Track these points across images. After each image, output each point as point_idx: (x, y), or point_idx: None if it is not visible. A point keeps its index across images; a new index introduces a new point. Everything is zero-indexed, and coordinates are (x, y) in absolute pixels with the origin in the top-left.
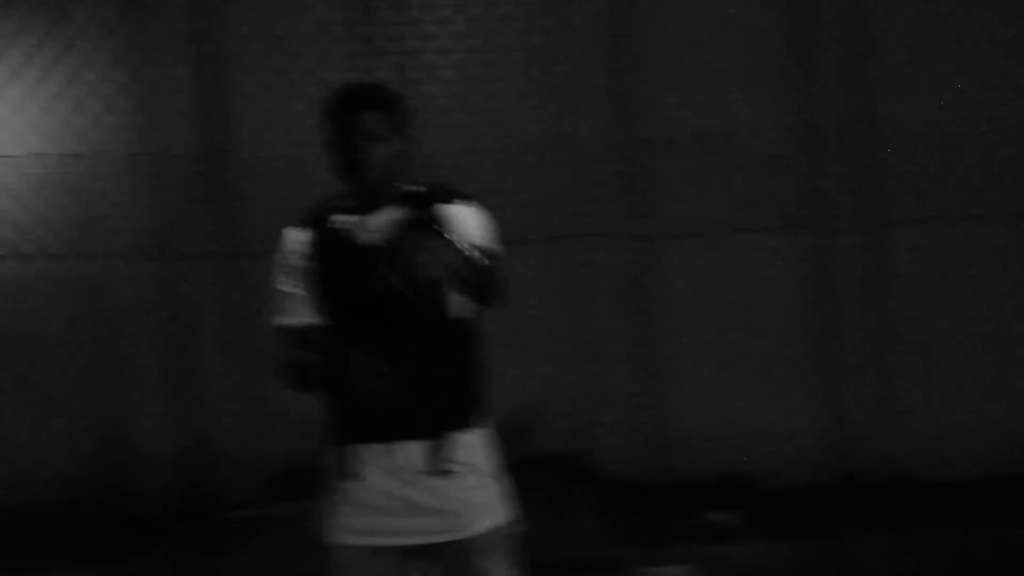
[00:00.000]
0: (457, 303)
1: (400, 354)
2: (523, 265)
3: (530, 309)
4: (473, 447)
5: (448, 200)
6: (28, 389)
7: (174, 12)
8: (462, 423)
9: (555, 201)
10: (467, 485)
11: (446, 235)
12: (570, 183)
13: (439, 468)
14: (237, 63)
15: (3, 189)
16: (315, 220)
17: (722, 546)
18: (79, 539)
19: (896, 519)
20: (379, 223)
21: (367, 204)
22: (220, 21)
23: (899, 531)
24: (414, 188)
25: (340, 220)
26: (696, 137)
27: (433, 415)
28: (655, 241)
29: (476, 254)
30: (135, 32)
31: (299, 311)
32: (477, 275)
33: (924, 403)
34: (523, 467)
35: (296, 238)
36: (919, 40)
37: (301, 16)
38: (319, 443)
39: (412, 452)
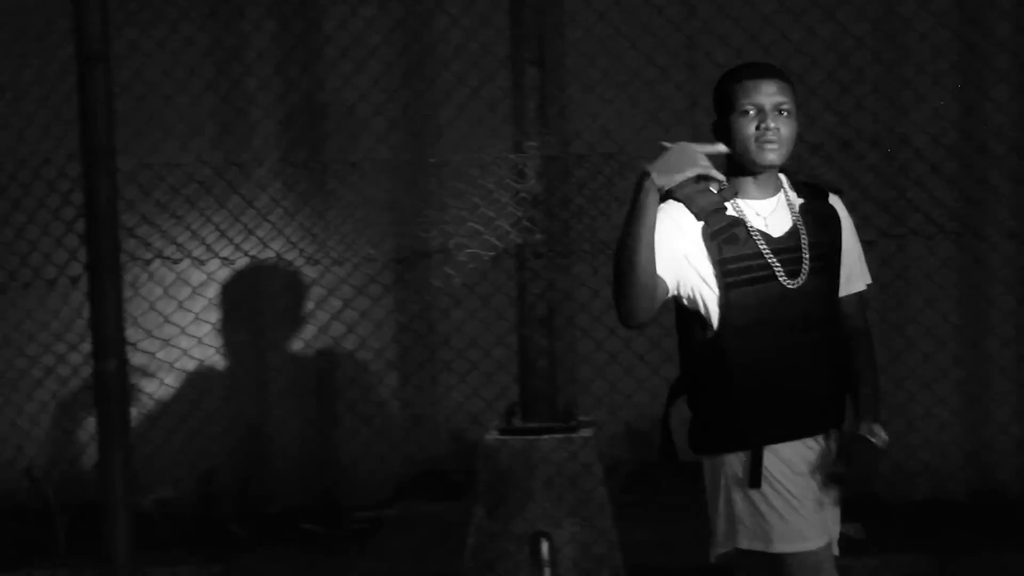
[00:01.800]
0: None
1: (798, 344)
2: None
3: None
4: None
5: (830, 192)
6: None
7: None
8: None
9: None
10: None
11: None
12: None
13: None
14: None
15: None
16: (700, 202)
17: None
18: (209, 533)
19: None
20: (771, 210)
21: (757, 188)
22: None
23: None
24: (804, 177)
25: (734, 204)
26: None
27: (837, 409)
28: None
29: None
30: None
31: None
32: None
33: None
34: None
35: (679, 217)
36: None
37: None
38: (696, 450)
39: (818, 449)
